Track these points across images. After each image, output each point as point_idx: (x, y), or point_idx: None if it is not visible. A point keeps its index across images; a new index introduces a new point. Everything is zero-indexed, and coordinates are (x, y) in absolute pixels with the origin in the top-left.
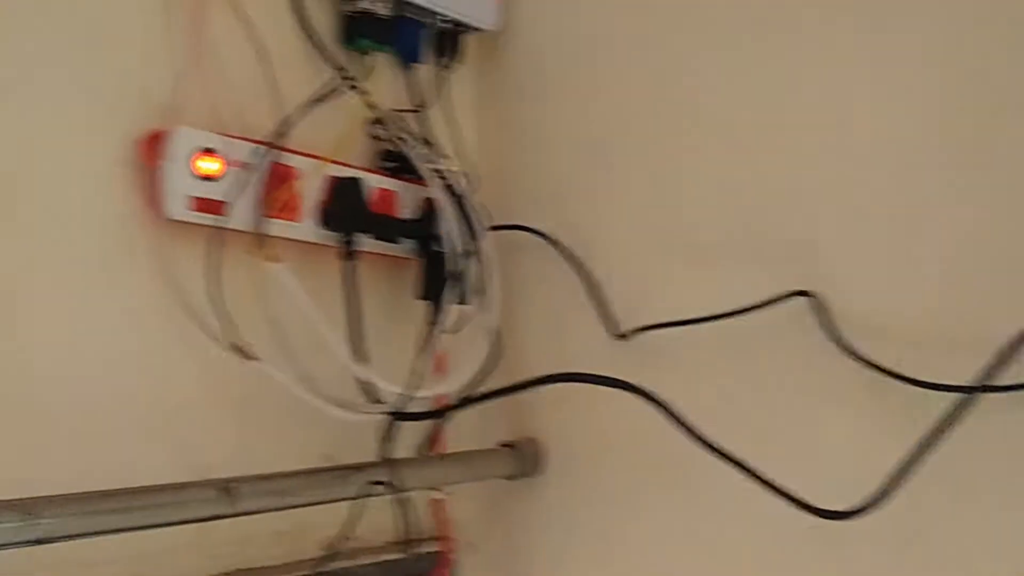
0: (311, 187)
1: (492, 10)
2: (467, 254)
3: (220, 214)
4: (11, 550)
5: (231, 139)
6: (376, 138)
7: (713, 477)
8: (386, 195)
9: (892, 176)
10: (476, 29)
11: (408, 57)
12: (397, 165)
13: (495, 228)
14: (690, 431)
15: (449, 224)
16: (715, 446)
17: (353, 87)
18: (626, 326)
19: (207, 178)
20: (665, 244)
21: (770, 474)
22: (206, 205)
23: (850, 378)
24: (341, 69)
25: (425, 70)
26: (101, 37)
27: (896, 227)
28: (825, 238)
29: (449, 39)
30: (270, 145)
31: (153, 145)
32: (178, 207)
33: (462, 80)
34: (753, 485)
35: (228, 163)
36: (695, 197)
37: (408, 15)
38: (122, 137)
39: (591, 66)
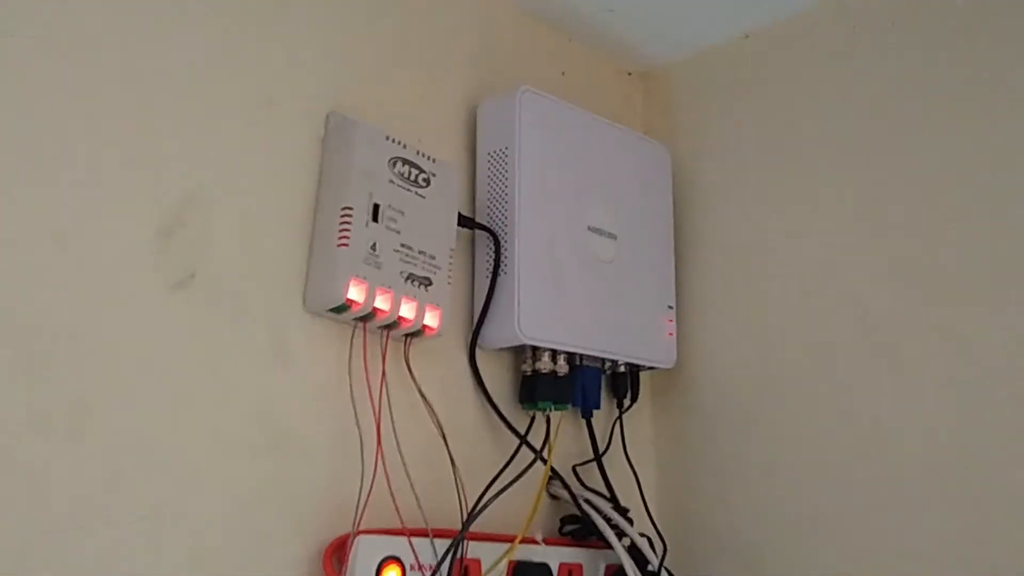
0: (495, 574)
1: (669, 349)
2: None
3: None
4: None
5: (415, 539)
6: (556, 497)
7: None
8: (572, 572)
9: None
10: (652, 368)
11: (587, 408)
12: (579, 527)
13: None
14: None
15: None
16: None
17: (534, 452)
18: None
19: None
20: None
21: None
22: None
23: None
24: (522, 436)
25: (602, 413)
26: (292, 447)
27: None
28: None
29: (626, 380)
30: (454, 539)
31: (335, 555)
32: None
33: (640, 418)
34: None
35: (412, 568)
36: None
37: (586, 365)
38: (307, 545)
39: (779, 403)
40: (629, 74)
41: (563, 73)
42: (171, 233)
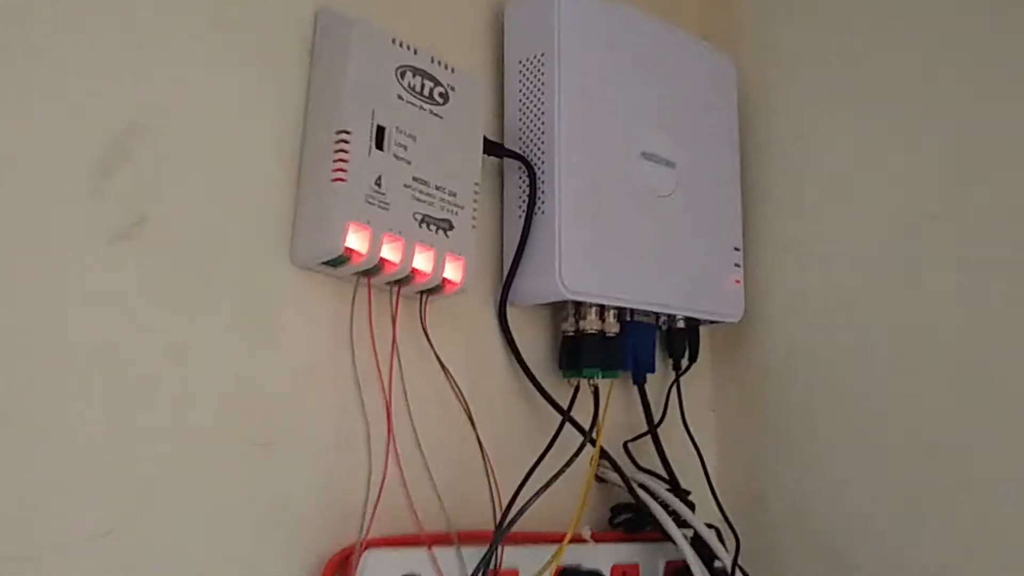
0: None
1: (735, 300)
2: None
3: None
4: None
5: (436, 548)
6: (604, 481)
7: None
8: (626, 572)
9: None
10: (715, 323)
11: (640, 372)
12: (632, 516)
13: None
14: None
15: None
16: None
17: (582, 432)
18: None
19: None
20: None
21: None
22: None
23: None
24: (565, 412)
25: (654, 377)
26: (280, 440)
27: None
28: None
29: (684, 337)
30: (488, 548)
31: (338, 573)
32: None
33: (699, 382)
34: None
35: None
36: None
37: (639, 320)
38: (303, 562)
39: (869, 363)
40: None
41: None
42: (112, 169)
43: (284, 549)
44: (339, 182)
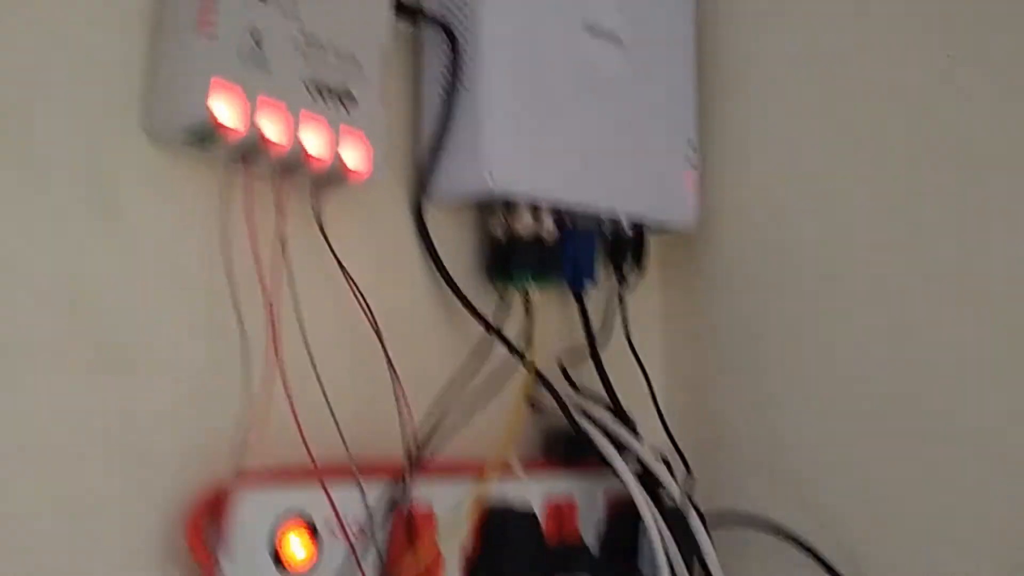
0: (456, 530)
1: (688, 203)
2: None
3: None
4: None
5: (332, 483)
6: (535, 406)
7: None
8: (562, 512)
9: None
10: (663, 231)
11: (578, 282)
12: (570, 445)
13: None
14: None
15: (654, 544)
16: None
17: (510, 348)
18: None
19: (296, 571)
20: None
21: None
22: None
23: None
24: (490, 323)
25: (598, 290)
26: (131, 358)
27: None
28: None
29: (629, 247)
30: (400, 481)
31: (206, 521)
32: None
33: (644, 298)
34: None
35: (330, 533)
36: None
37: (578, 225)
38: (160, 508)
39: (842, 273)
40: None
41: None
42: None
43: (140, 490)
44: (205, 31)
